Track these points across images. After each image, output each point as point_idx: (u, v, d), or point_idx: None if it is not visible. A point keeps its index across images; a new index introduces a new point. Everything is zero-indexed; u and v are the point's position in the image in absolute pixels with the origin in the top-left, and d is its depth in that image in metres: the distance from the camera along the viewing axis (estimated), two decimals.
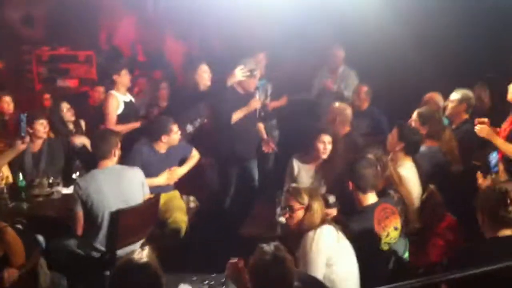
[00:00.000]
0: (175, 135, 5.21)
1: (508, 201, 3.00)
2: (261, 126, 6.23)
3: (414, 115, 5.02)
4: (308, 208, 3.52)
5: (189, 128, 5.88)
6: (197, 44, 8.50)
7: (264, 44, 7.37)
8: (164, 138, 5.15)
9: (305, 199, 3.54)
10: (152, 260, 2.70)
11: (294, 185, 3.87)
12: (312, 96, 7.29)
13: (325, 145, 4.74)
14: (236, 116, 5.62)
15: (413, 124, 4.96)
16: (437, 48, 6.96)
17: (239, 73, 5.62)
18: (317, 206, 3.53)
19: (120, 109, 5.91)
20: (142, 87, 6.96)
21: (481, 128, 4.58)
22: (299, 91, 7.35)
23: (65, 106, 6.23)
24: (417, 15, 6.94)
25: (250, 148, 5.95)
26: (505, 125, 4.79)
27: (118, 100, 5.93)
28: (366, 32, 7.07)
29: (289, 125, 6.77)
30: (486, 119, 4.63)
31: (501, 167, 4.64)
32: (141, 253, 2.71)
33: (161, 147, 5.20)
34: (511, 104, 4.78)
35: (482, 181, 4.50)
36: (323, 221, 3.51)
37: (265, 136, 6.23)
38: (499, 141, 4.55)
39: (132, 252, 2.76)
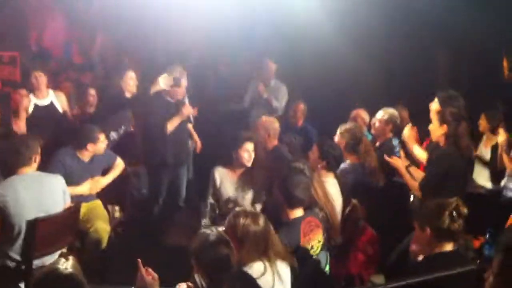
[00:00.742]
0: (101, 143, 5.11)
1: (455, 214, 3.07)
2: (191, 127, 6.27)
3: (339, 129, 5.13)
4: None
5: (113, 135, 5.81)
6: (129, 49, 8.38)
7: (196, 52, 7.39)
8: (90, 147, 5.03)
9: None
10: (77, 271, 2.65)
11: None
12: (243, 106, 7.32)
13: (249, 153, 4.75)
14: (171, 125, 5.60)
15: (336, 138, 5.07)
16: (368, 65, 7.18)
17: (162, 81, 5.59)
18: None
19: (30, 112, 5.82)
20: (67, 91, 6.77)
21: (408, 130, 4.72)
22: (229, 101, 7.37)
23: None
24: (353, 32, 7.12)
25: (182, 153, 5.96)
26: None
27: (28, 102, 5.86)
28: (299, 47, 7.21)
29: (212, 134, 6.76)
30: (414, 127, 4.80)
31: (402, 153, 4.82)
32: (66, 263, 2.65)
33: (85, 155, 5.06)
34: None
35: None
36: None
37: (196, 137, 6.29)
38: (415, 146, 4.72)
39: (56, 261, 2.69)
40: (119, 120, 5.84)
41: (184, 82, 5.71)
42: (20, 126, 5.72)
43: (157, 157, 5.72)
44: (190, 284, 3.13)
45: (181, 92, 5.72)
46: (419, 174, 4.50)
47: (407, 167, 4.54)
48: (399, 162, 4.57)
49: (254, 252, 3.25)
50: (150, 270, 3.02)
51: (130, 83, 5.89)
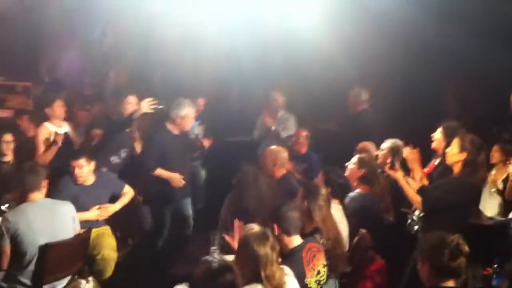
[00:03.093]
0: (83, 168, 5.05)
1: (457, 252, 3.07)
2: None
3: (354, 158, 5.16)
4: None
5: (114, 159, 5.82)
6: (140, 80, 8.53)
7: (206, 87, 7.50)
8: (76, 172, 5.06)
9: None
10: None
11: None
12: (252, 137, 7.42)
13: None
14: (159, 172, 5.55)
15: (349, 166, 5.11)
16: (376, 96, 7.23)
17: (145, 105, 5.66)
18: None
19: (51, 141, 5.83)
20: (80, 120, 6.88)
21: (410, 153, 4.74)
22: (238, 134, 7.45)
23: (6, 137, 6.05)
24: (362, 61, 7.22)
25: (184, 187, 5.78)
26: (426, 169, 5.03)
27: (49, 131, 5.87)
28: (305, 78, 7.31)
29: (223, 165, 6.80)
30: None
31: (397, 165, 4.72)
32: (87, 285, 2.70)
33: (81, 181, 5.09)
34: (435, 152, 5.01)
35: None
36: None
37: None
38: (416, 169, 4.72)
39: (77, 284, 2.73)
40: (117, 144, 5.86)
41: (192, 113, 5.70)
42: (47, 154, 5.79)
43: (156, 189, 5.69)
44: None
45: (187, 124, 5.70)
46: (416, 185, 4.54)
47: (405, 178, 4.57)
48: (399, 174, 4.60)
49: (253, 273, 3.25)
50: None
51: (128, 108, 5.92)
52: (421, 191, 4.45)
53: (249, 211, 4.45)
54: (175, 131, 5.65)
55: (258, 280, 3.25)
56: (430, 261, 3.11)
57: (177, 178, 5.61)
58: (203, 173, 7.10)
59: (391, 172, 4.62)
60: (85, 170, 5.07)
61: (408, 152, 4.75)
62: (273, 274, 3.28)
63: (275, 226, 3.81)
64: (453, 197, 4.33)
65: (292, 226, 3.82)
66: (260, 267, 3.25)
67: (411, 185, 4.53)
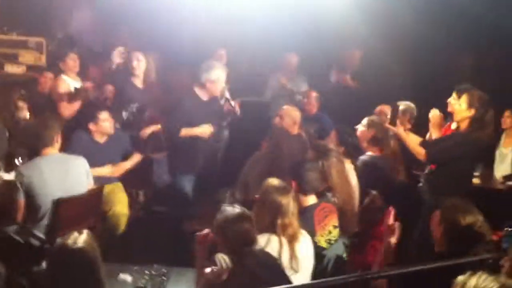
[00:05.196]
0: (104, 123, 5.08)
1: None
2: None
3: (364, 120, 5.15)
4: None
5: (125, 114, 5.75)
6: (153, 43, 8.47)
7: (222, 43, 7.42)
8: (92, 127, 5.06)
9: None
10: (89, 246, 2.70)
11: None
12: (265, 98, 7.39)
13: None
14: (186, 132, 5.34)
15: (359, 128, 5.09)
16: (392, 59, 7.15)
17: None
18: None
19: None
20: (93, 76, 6.86)
21: (437, 116, 4.71)
22: (251, 94, 7.41)
23: (20, 91, 6.07)
24: (378, 23, 7.11)
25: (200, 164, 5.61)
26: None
27: (68, 84, 5.83)
28: (319, 38, 7.22)
29: (239, 126, 6.78)
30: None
31: (398, 122, 4.80)
32: (78, 238, 2.71)
33: (97, 136, 5.10)
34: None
35: None
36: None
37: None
38: (434, 132, 4.70)
39: (67, 237, 2.75)
40: (127, 99, 5.82)
41: (223, 77, 5.42)
42: (68, 108, 5.75)
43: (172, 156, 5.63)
44: (214, 267, 3.19)
45: (217, 89, 5.42)
46: (417, 139, 4.61)
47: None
48: (400, 129, 4.62)
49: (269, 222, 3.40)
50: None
51: (135, 65, 5.86)
52: (424, 143, 4.48)
53: (282, 169, 4.42)
54: (204, 96, 5.42)
55: (272, 229, 3.39)
56: (446, 226, 3.14)
57: (205, 130, 5.39)
58: (226, 134, 6.94)
59: (391, 128, 4.64)
60: (108, 124, 5.08)
61: (434, 114, 4.72)
62: (291, 223, 3.42)
63: (294, 184, 3.85)
64: (457, 149, 4.40)
65: (309, 186, 3.88)
66: (278, 215, 3.40)
67: (413, 139, 4.54)
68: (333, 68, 7.50)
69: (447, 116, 4.74)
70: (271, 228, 3.42)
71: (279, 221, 3.40)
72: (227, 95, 5.63)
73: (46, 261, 2.81)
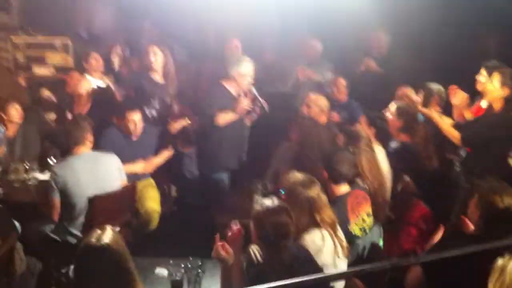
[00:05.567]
0: (132, 121, 5.06)
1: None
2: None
3: (392, 108, 5.08)
4: None
5: (148, 111, 5.65)
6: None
7: (239, 32, 7.38)
8: (122, 124, 5.08)
9: None
10: (114, 243, 2.70)
11: None
12: (288, 87, 7.34)
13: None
14: (222, 118, 5.31)
15: (388, 115, 5.03)
16: (413, 43, 7.05)
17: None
18: None
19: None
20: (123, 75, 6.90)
21: (462, 98, 4.66)
22: (275, 82, 7.37)
23: (44, 92, 6.15)
24: (399, 11, 7.01)
25: (232, 157, 5.64)
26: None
27: (90, 83, 5.87)
28: (343, 26, 7.14)
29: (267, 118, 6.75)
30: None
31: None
32: (102, 235, 2.71)
33: (128, 133, 5.10)
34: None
35: None
36: None
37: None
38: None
39: (91, 234, 2.76)
40: (147, 96, 5.70)
41: (251, 71, 5.43)
42: (84, 108, 5.74)
43: (206, 152, 5.60)
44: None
45: (246, 82, 5.41)
46: (451, 122, 4.57)
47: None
48: (433, 112, 4.55)
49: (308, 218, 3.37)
50: (226, 245, 3.08)
51: (152, 59, 5.72)
52: (459, 126, 4.40)
53: (311, 159, 4.43)
54: (234, 90, 5.43)
55: (315, 224, 3.36)
56: (483, 209, 3.10)
57: (243, 104, 5.35)
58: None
59: (424, 110, 4.56)
60: (137, 122, 5.09)
61: (462, 97, 4.64)
62: (329, 214, 3.41)
63: (325, 173, 3.84)
64: (493, 131, 4.31)
65: (340, 175, 3.85)
66: (314, 210, 3.35)
67: (447, 122, 4.48)
68: (359, 53, 7.41)
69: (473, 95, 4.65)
70: (313, 223, 3.39)
71: (317, 216, 3.38)
72: (255, 92, 5.56)
73: (73, 260, 2.80)
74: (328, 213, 3.43)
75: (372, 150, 4.30)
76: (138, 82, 5.82)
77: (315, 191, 3.43)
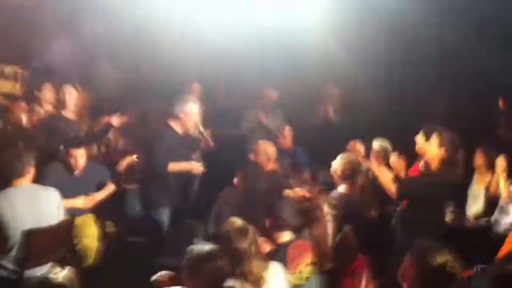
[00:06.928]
0: (80, 159, 5.05)
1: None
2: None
3: (338, 157, 5.20)
4: None
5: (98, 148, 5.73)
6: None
7: (196, 74, 7.47)
8: (74, 160, 5.03)
9: None
10: (69, 281, 2.67)
11: None
12: (242, 130, 7.43)
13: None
14: (174, 167, 5.43)
15: (333, 165, 5.14)
16: (368, 96, 7.27)
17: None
18: None
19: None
20: None
21: (397, 159, 4.92)
22: (227, 126, 7.44)
23: None
24: (354, 57, 7.25)
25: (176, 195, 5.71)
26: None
27: (39, 114, 5.82)
28: (298, 73, 7.33)
29: (216, 159, 6.78)
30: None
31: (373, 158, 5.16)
32: (59, 273, 2.68)
33: (71, 169, 5.06)
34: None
35: None
36: None
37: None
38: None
39: (49, 270, 2.71)
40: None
41: (196, 109, 5.55)
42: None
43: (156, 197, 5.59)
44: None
45: (193, 123, 5.56)
46: (391, 175, 4.63)
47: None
48: (373, 163, 4.68)
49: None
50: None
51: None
52: (397, 180, 4.53)
53: (253, 205, 4.44)
54: (180, 129, 5.53)
55: (234, 274, 3.26)
56: (419, 267, 3.15)
57: (196, 166, 5.53)
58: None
59: (363, 160, 4.70)
60: (83, 160, 5.06)
61: (395, 159, 4.81)
62: (251, 270, 3.30)
63: (267, 221, 3.84)
64: (427, 190, 4.44)
65: (284, 223, 3.85)
66: (238, 261, 3.27)
67: (386, 175, 4.60)
68: (315, 102, 7.59)
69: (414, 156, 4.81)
70: (233, 273, 3.27)
71: (238, 269, 3.27)
72: (201, 128, 5.75)
73: None
74: (255, 268, 3.33)
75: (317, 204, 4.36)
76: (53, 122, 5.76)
77: (245, 243, 3.34)
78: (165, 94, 6.28)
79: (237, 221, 3.49)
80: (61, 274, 2.70)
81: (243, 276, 3.28)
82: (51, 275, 2.68)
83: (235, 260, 3.25)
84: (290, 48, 7.35)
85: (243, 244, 3.33)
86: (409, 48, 7.10)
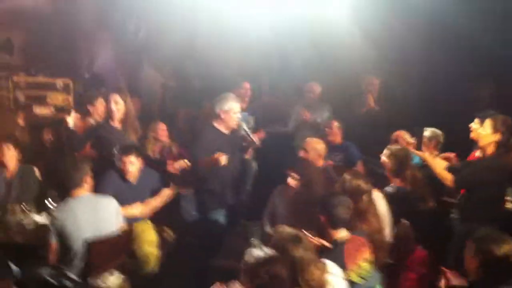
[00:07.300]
0: (131, 165, 5.06)
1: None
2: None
3: (386, 151, 5.12)
4: None
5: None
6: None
7: (245, 75, 7.49)
8: (126, 167, 5.06)
9: None
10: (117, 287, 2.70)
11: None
12: (288, 128, 7.42)
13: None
14: (205, 161, 5.35)
15: (384, 159, 5.06)
16: (407, 87, 7.16)
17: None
18: None
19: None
20: None
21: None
22: (274, 124, 7.44)
23: (45, 132, 6.18)
24: (393, 52, 7.14)
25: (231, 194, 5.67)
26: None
27: (91, 125, 5.88)
28: (340, 69, 7.27)
29: (266, 158, 6.79)
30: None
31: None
32: (107, 279, 2.71)
33: (127, 176, 5.09)
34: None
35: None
36: None
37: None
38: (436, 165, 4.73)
39: (98, 276, 2.75)
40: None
41: (236, 107, 5.49)
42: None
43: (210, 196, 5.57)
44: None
45: (235, 121, 5.52)
46: (444, 164, 4.63)
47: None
48: (426, 154, 4.62)
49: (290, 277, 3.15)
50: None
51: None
52: (451, 169, 4.46)
53: (307, 203, 4.41)
54: (223, 128, 5.52)
55: (296, 284, 3.22)
56: (481, 257, 3.11)
57: (221, 157, 5.30)
58: (255, 165, 6.85)
59: (417, 153, 4.61)
60: (135, 167, 5.09)
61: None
62: (312, 276, 3.26)
63: (322, 218, 3.83)
64: (484, 175, 4.39)
65: (338, 219, 3.83)
66: (297, 270, 3.22)
67: (440, 165, 4.53)
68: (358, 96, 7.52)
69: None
70: (294, 283, 3.21)
71: (299, 279, 3.21)
72: (245, 127, 5.68)
73: None
74: (315, 273, 3.28)
75: (370, 196, 4.30)
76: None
77: (300, 250, 3.29)
78: (214, 95, 6.28)
79: (288, 229, 3.44)
80: (111, 279, 2.72)
81: (306, 284, 3.24)
82: (99, 282, 2.70)
83: (294, 269, 3.21)
84: (328, 43, 7.27)
85: (299, 253, 3.28)
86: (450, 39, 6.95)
